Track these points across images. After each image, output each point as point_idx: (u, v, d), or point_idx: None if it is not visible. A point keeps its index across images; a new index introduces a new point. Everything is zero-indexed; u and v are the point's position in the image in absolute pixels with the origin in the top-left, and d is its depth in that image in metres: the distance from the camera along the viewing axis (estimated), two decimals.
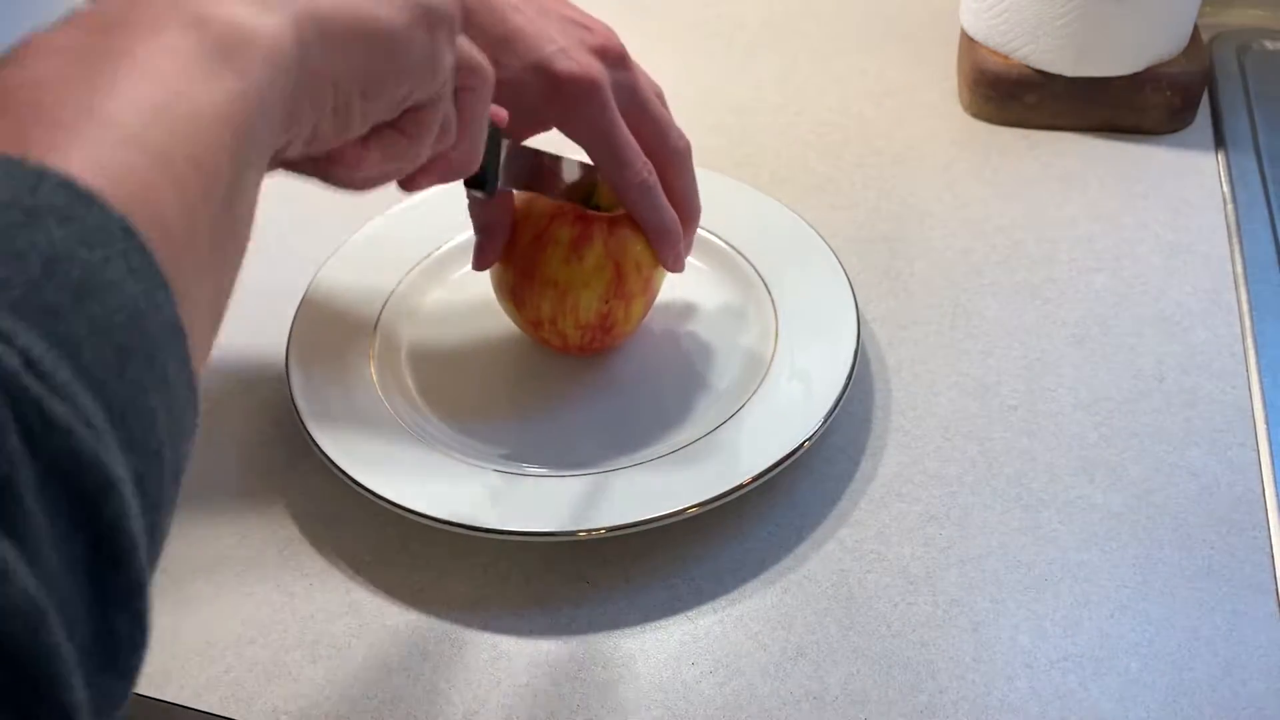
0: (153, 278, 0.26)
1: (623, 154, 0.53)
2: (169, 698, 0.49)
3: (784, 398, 0.57)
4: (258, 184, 0.33)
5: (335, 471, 0.53)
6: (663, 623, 0.52)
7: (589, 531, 0.51)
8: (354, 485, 0.52)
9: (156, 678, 0.50)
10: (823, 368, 0.58)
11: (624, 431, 0.57)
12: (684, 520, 0.52)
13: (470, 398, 0.60)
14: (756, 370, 0.59)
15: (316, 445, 0.54)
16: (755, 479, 0.52)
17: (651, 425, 0.57)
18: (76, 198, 0.25)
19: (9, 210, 0.24)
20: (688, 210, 0.57)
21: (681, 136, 0.57)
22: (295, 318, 0.61)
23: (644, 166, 0.54)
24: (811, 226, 0.65)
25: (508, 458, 0.56)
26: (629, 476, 0.54)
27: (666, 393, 0.59)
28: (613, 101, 0.52)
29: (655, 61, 0.89)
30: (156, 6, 0.31)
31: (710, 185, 0.69)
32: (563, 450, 0.56)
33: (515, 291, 0.57)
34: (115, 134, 0.27)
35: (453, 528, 0.51)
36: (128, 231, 0.26)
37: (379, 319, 0.62)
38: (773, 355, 0.59)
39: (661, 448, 0.55)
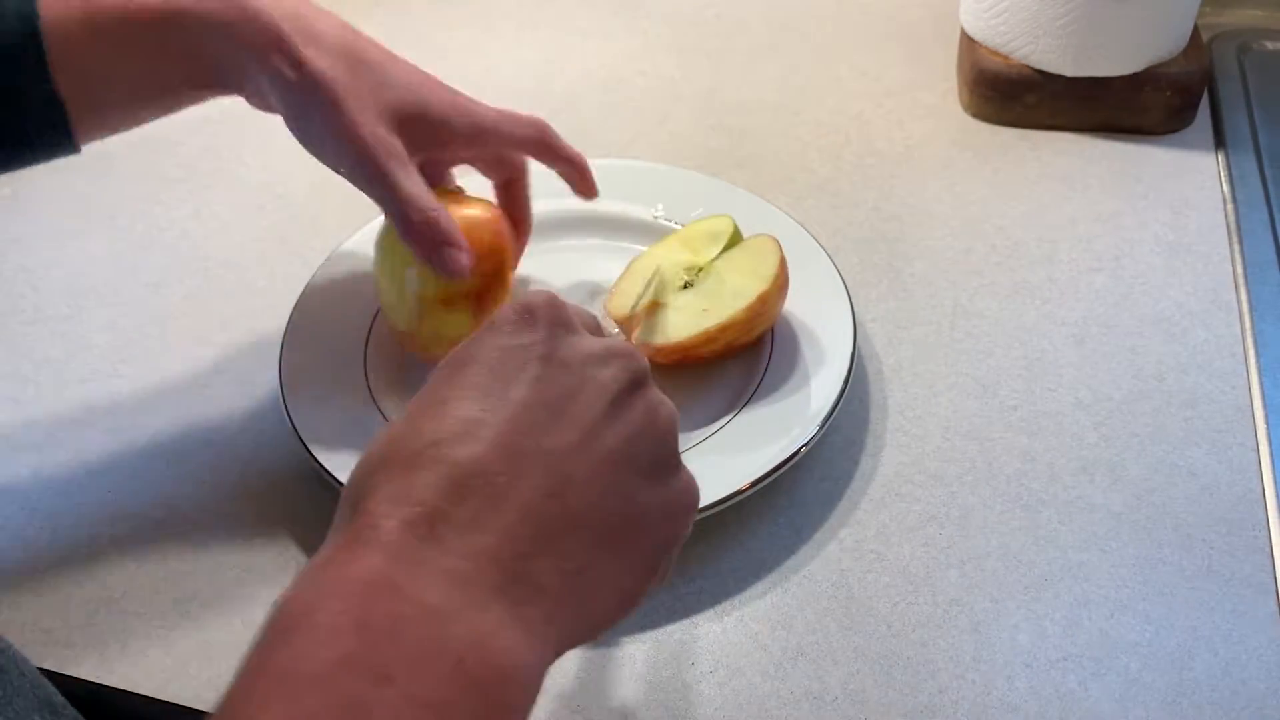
0: None
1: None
2: (169, 698, 0.49)
3: (780, 404, 0.57)
4: None
5: (331, 481, 0.53)
6: (663, 623, 0.51)
7: None
8: None
9: (156, 678, 0.50)
10: (819, 372, 0.57)
11: None
12: None
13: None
14: (752, 376, 0.59)
15: (312, 455, 0.54)
16: (753, 485, 0.52)
17: None
18: None
19: None
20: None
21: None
22: (287, 329, 0.61)
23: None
24: (805, 229, 0.65)
25: None
26: None
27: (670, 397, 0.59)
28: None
29: (655, 61, 0.89)
30: (433, 629, 0.28)
31: (705, 189, 0.69)
32: None
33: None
34: None
35: None
36: None
37: (371, 325, 0.62)
38: (768, 360, 0.59)
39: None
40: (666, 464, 0.36)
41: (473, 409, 0.32)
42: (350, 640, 0.27)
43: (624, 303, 0.60)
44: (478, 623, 0.29)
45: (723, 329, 0.56)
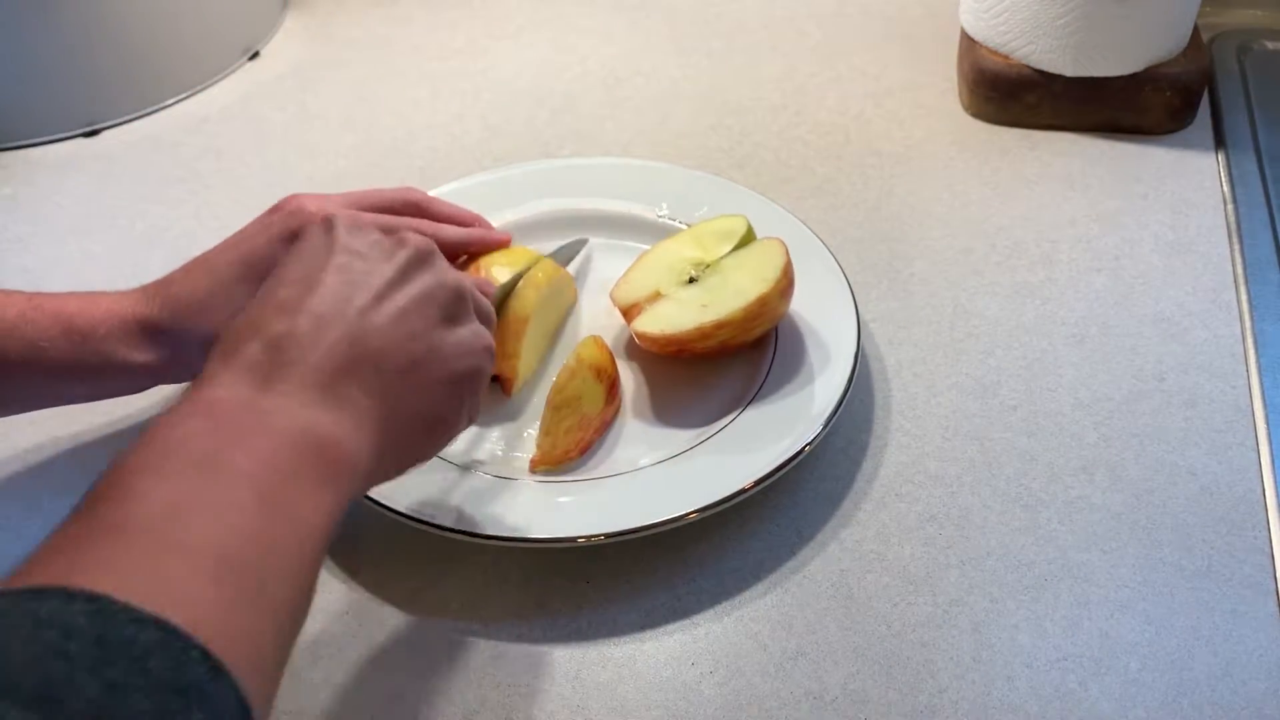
0: None
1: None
2: None
3: (784, 403, 0.57)
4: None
5: None
6: (663, 623, 0.51)
7: (588, 538, 0.51)
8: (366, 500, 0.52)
9: None
10: (822, 372, 0.57)
11: (622, 437, 0.57)
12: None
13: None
14: (755, 375, 0.59)
15: None
16: (756, 484, 0.52)
17: (650, 431, 0.57)
18: (215, 674, 0.30)
19: (169, 696, 0.28)
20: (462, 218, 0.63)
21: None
22: None
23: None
24: (810, 229, 0.65)
25: (505, 464, 0.56)
26: (628, 482, 0.54)
27: (664, 398, 0.59)
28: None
29: (655, 61, 0.89)
30: (274, 420, 0.38)
31: (711, 189, 0.69)
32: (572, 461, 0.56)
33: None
34: (226, 573, 0.33)
35: (452, 533, 0.51)
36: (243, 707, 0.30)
37: None
38: (771, 360, 0.59)
39: (660, 453, 0.55)
40: (457, 316, 0.46)
41: (287, 294, 0.42)
42: (200, 423, 0.37)
43: (629, 291, 0.60)
44: (299, 415, 0.38)
45: (718, 326, 0.56)
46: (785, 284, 0.57)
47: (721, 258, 0.59)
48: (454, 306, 0.46)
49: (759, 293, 0.56)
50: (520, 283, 0.59)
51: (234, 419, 0.37)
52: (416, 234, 0.47)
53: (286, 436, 0.37)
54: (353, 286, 0.43)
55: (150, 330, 0.53)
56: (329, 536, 0.37)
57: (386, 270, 0.44)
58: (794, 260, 0.58)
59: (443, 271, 0.46)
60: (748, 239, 0.60)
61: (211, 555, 0.32)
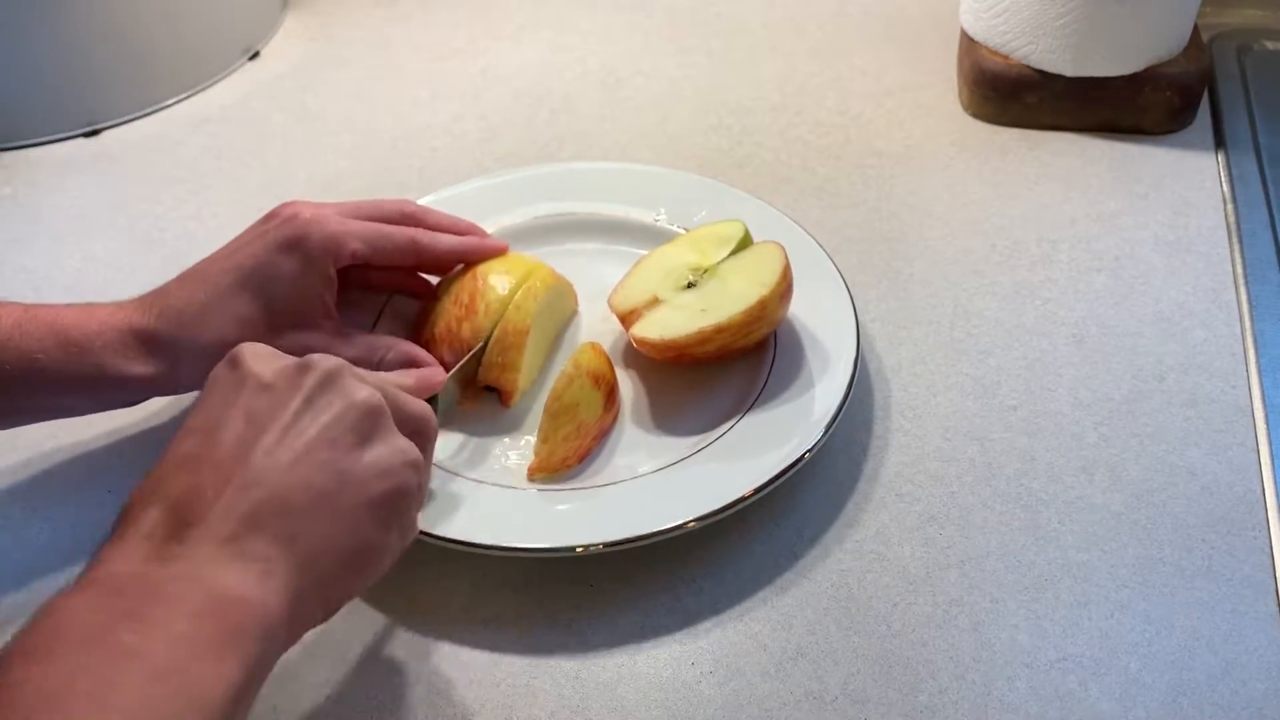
0: None
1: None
2: None
3: (783, 409, 0.56)
4: (249, 708, 0.38)
5: None
6: (663, 623, 0.51)
7: (586, 547, 0.50)
8: None
9: None
10: (821, 378, 0.57)
11: (621, 444, 0.57)
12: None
13: (466, 413, 0.59)
14: (754, 382, 0.58)
15: None
16: (755, 491, 0.52)
17: (649, 438, 0.57)
18: None
19: None
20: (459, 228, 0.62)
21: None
22: None
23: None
24: (809, 233, 0.65)
25: (504, 472, 0.56)
26: (627, 490, 0.53)
27: (663, 405, 0.59)
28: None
29: (655, 61, 0.89)
30: (170, 588, 0.36)
31: (708, 193, 0.69)
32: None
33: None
34: None
35: (451, 544, 0.51)
36: None
37: (373, 327, 0.62)
38: (770, 366, 0.59)
39: (659, 460, 0.55)
40: (371, 435, 0.43)
41: (189, 447, 0.41)
42: (89, 601, 0.35)
43: (627, 297, 0.60)
44: (198, 576, 0.37)
45: (718, 330, 0.56)
46: (784, 287, 0.57)
47: (719, 262, 0.59)
48: (366, 425, 0.43)
49: (758, 296, 0.56)
50: (519, 293, 0.59)
51: (127, 591, 0.36)
52: (325, 355, 0.45)
53: (182, 604, 0.36)
54: (256, 427, 0.41)
55: (147, 341, 0.53)
56: (241, 703, 0.36)
57: (292, 401, 0.42)
58: (795, 266, 0.58)
59: (352, 389, 0.43)
60: (745, 243, 0.60)
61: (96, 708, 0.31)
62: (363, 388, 0.44)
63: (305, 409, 0.42)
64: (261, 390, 0.42)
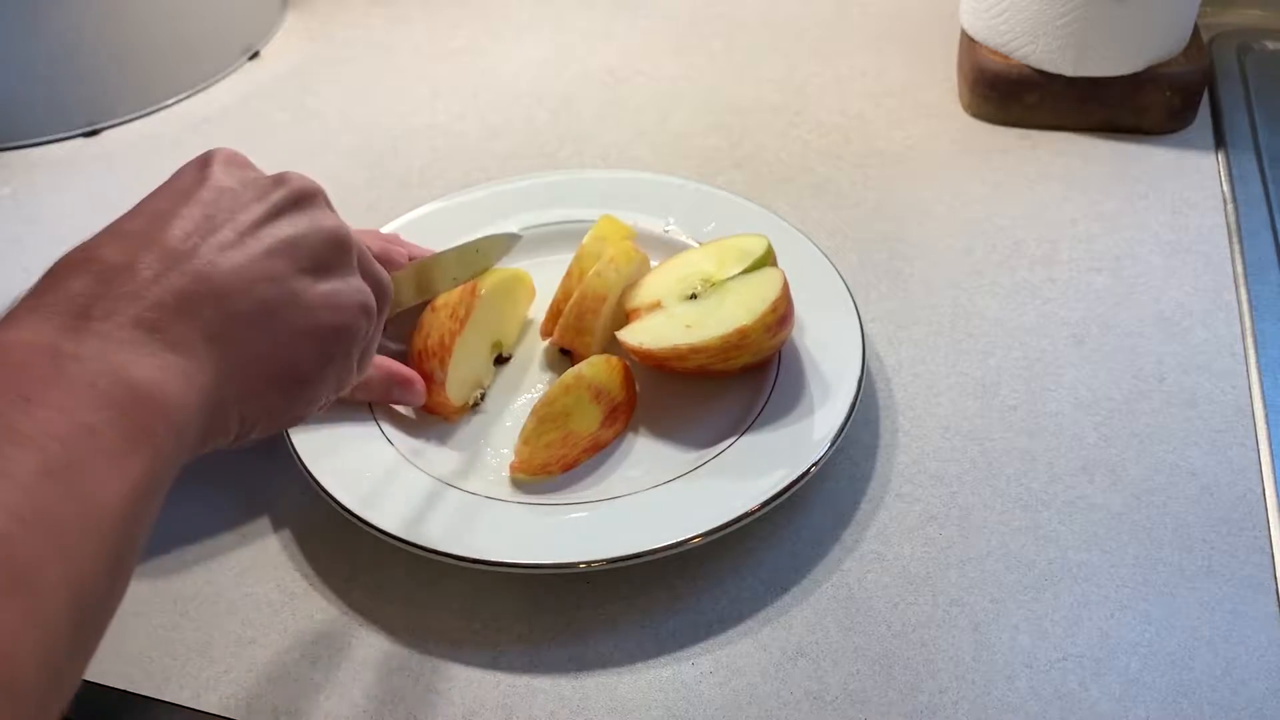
0: None
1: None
2: (169, 698, 0.49)
3: (787, 424, 0.56)
4: (153, 518, 0.34)
5: (319, 489, 0.53)
6: (662, 622, 0.51)
7: (589, 564, 0.50)
8: (354, 519, 0.52)
9: (156, 678, 0.50)
10: (826, 395, 0.57)
11: (622, 458, 0.57)
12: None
13: (466, 425, 0.59)
14: (758, 397, 0.58)
15: (310, 475, 0.53)
16: (762, 505, 0.52)
17: (652, 452, 0.57)
18: None
19: None
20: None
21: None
22: None
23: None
24: (824, 254, 0.64)
25: (503, 484, 0.55)
26: (631, 504, 0.53)
27: (664, 418, 0.58)
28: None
29: (655, 61, 0.89)
30: (78, 369, 0.32)
31: (719, 204, 0.68)
32: (563, 478, 0.56)
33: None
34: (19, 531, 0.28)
35: (448, 559, 0.50)
36: None
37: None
38: (774, 382, 0.58)
39: (663, 474, 0.55)
40: (332, 266, 0.41)
41: (136, 224, 0.37)
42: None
43: (638, 296, 0.60)
44: (111, 358, 0.33)
45: (693, 350, 0.55)
46: (772, 320, 0.55)
47: (728, 278, 0.58)
48: (329, 253, 0.41)
49: (739, 324, 0.55)
50: (601, 262, 0.59)
51: (25, 367, 0.32)
52: (303, 176, 0.42)
53: (89, 389, 0.32)
54: (212, 222, 0.38)
55: None
56: (144, 507, 0.32)
57: (256, 208, 0.39)
58: (802, 278, 0.57)
59: (322, 216, 0.42)
60: (763, 261, 0.59)
61: None
62: (333, 216, 0.42)
63: (269, 218, 0.40)
64: (227, 191, 0.40)
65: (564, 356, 0.60)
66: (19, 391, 0.31)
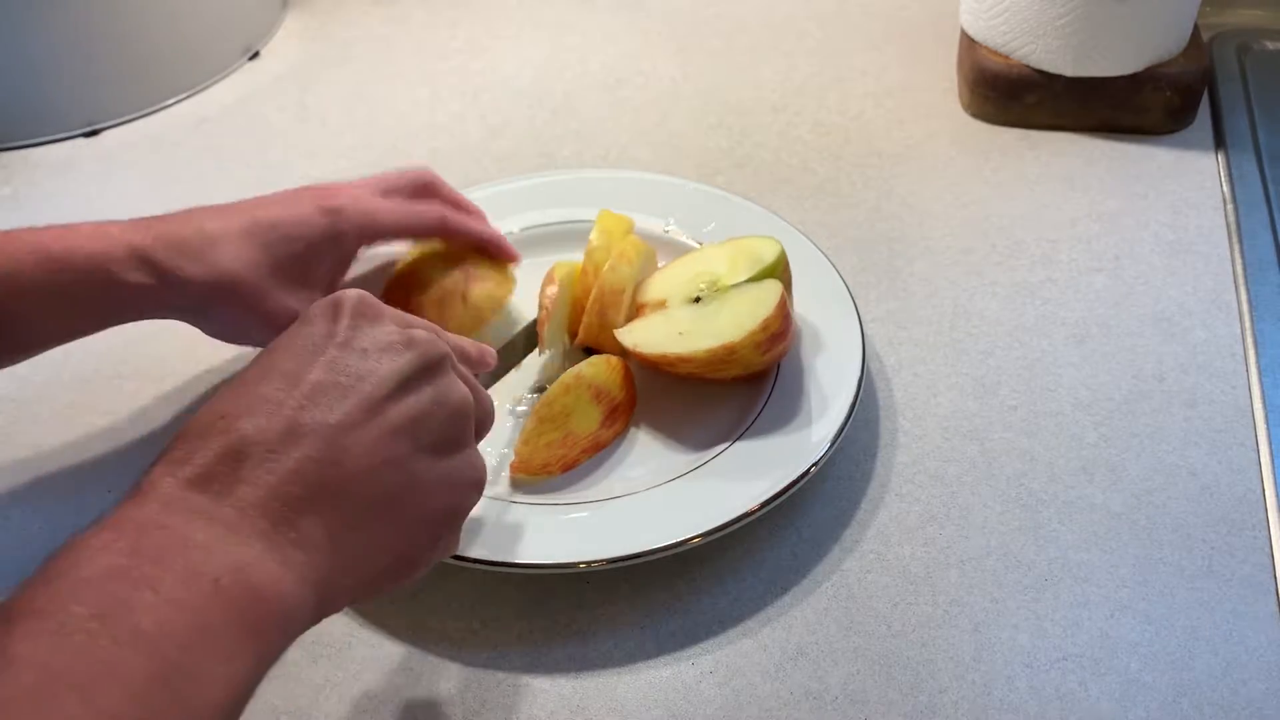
0: None
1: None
2: None
3: (786, 426, 0.56)
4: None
5: None
6: (663, 622, 0.51)
7: (589, 564, 0.50)
8: None
9: None
10: (825, 397, 0.57)
11: (628, 457, 0.57)
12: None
13: None
14: (756, 399, 0.57)
15: None
16: (762, 506, 0.52)
17: (653, 452, 0.57)
18: None
19: None
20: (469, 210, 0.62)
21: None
22: None
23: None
24: (829, 259, 0.64)
25: (508, 487, 0.55)
26: (631, 504, 0.53)
27: (664, 418, 0.58)
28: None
29: (655, 61, 0.89)
30: (200, 557, 0.32)
31: (719, 205, 0.68)
32: (563, 478, 0.55)
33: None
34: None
35: (449, 559, 0.50)
36: None
37: None
38: (773, 385, 0.58)
39: (664, 474, 0.55)
40: (453, 442, 0.40)
41: (268, 389, 0.37)
42: (118, 559, 0.31)
43: (647, 292, 0.59)
44: (238, 554, 0.33)
45: (681, 359, 0.55)
46: (762, 338, 0.54)
47: (735, 284, 0.57)
48: (451, 429, 0.40)
49: (727, 340, 0.54)
50: (615, 257, 0.59)
51: (158, 556, 0.32)
52: (429, 334, 0.41)
53: (215, 583, 0.32)
54: (341, 391, 0.37)
55: (142, 258, 0.50)
56: (244, 702, 0.32)
57: (387, 376, 0.38)
58: (805, 283, 0.57)
59: (448, 384, 0.40)
60: (774, 268, 0.58)
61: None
62: (458, 385, 0.41)
63: (399, 392, 0.38)
64: (358, 353, 0.39)
65: (586, 355, 0.60)
66: (149, 582, 0.31)
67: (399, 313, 0.43)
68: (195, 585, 0.32)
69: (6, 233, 0.49)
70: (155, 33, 0.84)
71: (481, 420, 0.44)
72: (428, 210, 0.58)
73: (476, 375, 0.46)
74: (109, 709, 0.29)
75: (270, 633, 0.33)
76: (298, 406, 0.36)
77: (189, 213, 0.53)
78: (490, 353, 0.49)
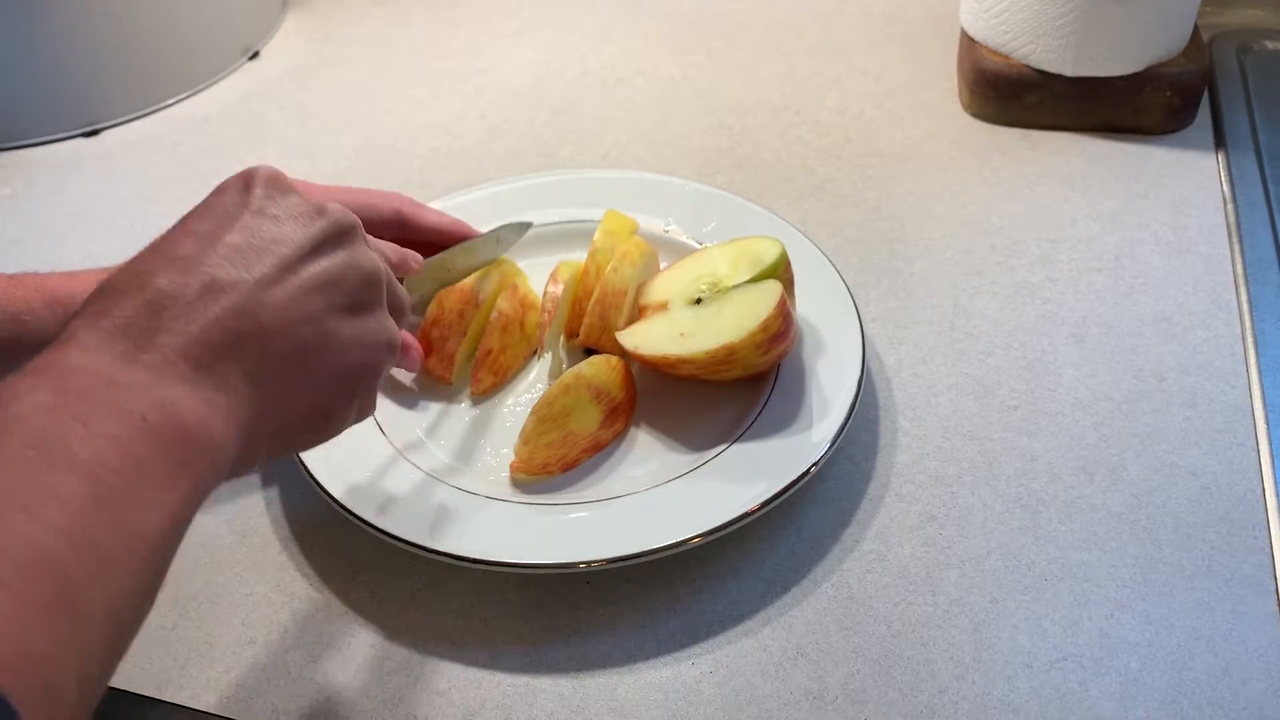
0: None
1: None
2: (169, 698, 0.49)
3: (786, 426, 0.56)
4: (181, 541, 0.36)
5: (320, 490, 0.53)
6: (662, 622, 0.51)
7: (589, 564, 0.50)
8: (355, 520, 0.52)
9: (156, 678, 0.50)
10: (825, 396, 0.57)
11: (628, 457, 0.57)
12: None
13: (466, 425, 0.59)
14: (756, 399, 0.57)
15: (311, 477, 0.53)
16: (762, 506, 0.52)
17: (653, 452, 0.57)
18: None
19: None
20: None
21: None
22: None
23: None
24: (829, 259, 0.63)
25: (506, 486, 0.55)
26: (631, 504, 0.53)
27: (664, 418, 0.58)
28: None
29: (655, 61, 0.89)
30: (131, 400, 0.34)
31: (718, 205, 0.68)
32: (563, 478, 0.55)
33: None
34: (28, 580, 0.29)
35: (451, 560, 0.50)
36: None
37: None
38: (773, 385, 0.58)
39: (663, 474, 0.55)
40: (365, 305, 0.42)
41: (186, 248, 0.38)
42: (46, 397, 0.33)
43: (651, 294, 0.59)
44: (163, 393, 0.35)
45: (681, 360, 0.55)
46: (762, 339, 0.54)
47: (735, 285, 0.57)
48: (364, 292, 0.42)
49: (726, 341, 0.54)
50: (616, 257, 0.60)
51: (85, 393, 0.33)
52: (340, 206, 0.43)
53: (142, 419, 0.34)
54: (257, 251, 0.39)
55: None
56: (177, 535, 0.34)
57: (299, 239, 0.40)
58: (805, 283, 0.57)
59: (360, 252, 0.42)
60: (775, 269, 0.58)
61: (10, 558, 0.29)
62: (369, 252, 0.43)
63: (311, 254, 0.40)
64: (271, 219, 0.40)
65: (587, 356, 0.60)
66: (78, 416, 0.32)
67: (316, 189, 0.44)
68: (124, 420, 0.33)
69: (11, 277, 0.52)
70: (155, 33, 0.84)
71: (395, 306, 0.45)
72: (382, 203, 0.58)
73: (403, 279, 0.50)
74: (55, 523, 0.30)
75: (199, 466, 0.35)
76: (215, 264, 0.38)
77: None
78: (412, 256, 0.52)
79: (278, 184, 0.42)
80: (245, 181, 0.42)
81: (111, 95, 0.85)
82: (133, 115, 0.86)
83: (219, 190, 0.42)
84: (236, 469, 0.38)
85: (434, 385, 0.61)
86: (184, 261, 0.37)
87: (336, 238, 0.42)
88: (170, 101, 0.87)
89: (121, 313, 0.36)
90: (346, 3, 0.99)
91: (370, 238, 0.45)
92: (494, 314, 0.60)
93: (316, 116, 0.85)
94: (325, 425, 0.43)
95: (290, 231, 0.40)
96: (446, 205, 0.68)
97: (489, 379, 0.60)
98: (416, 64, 0.90)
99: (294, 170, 0.81)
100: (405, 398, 0.60)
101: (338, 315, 0.41)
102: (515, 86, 0.87)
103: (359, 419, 0.44)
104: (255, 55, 0.92)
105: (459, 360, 0.60)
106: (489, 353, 0.59)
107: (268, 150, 0.82)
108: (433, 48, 0.92)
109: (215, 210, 0.40)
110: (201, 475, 0.35)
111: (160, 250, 0.38)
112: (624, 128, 0.82)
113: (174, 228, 0.40)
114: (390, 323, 0.44)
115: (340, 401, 0.42)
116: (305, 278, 0.40)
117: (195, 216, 0.40)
